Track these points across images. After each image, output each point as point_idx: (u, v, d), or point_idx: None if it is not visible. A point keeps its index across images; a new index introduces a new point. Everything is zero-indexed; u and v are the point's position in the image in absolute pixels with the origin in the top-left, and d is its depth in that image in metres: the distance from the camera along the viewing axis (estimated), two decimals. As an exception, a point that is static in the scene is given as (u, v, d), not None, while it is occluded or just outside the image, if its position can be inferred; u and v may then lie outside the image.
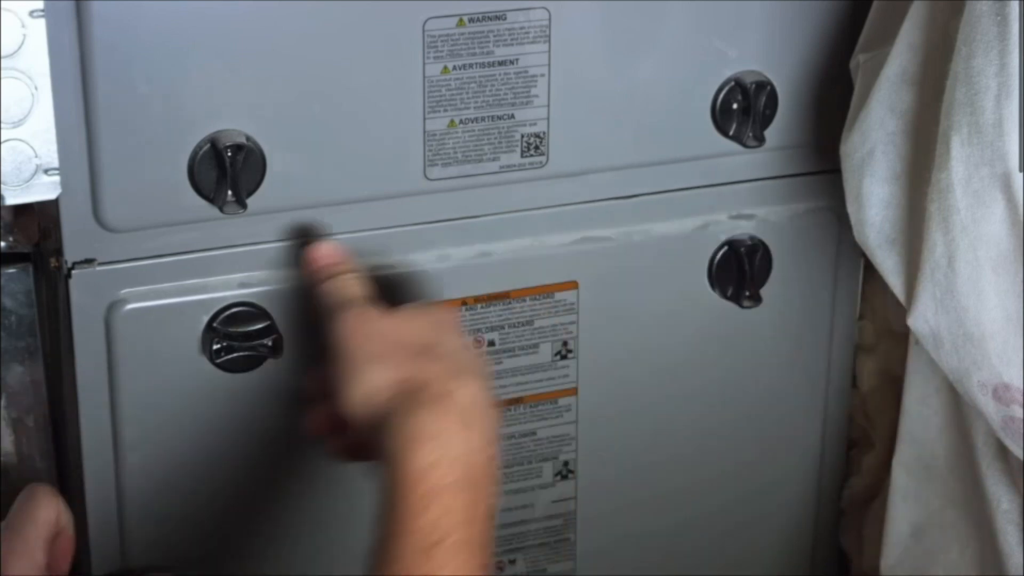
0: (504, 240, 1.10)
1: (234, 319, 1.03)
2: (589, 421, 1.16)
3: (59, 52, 0.92)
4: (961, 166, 0.95)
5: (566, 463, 1.16)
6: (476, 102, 1.04)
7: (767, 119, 1.10)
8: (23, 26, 0.90)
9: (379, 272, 1.03)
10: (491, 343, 1.11)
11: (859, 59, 1.07)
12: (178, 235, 1.01)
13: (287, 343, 1.03)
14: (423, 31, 1.01)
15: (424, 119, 1.03)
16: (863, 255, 1.12)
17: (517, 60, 1.04)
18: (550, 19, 1.03)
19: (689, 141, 1.11)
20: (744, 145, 1.10)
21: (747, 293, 1.14)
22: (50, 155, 0.93)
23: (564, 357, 1.13)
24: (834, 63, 1.11)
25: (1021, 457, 1.00)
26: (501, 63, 1.03)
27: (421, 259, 1.08)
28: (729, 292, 1.15)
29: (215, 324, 1.02)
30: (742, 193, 1.15)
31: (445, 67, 1.02)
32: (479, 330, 1.10)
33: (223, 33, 0.96)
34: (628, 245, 1.12)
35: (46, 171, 0.93)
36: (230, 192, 0.98)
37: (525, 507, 1.16)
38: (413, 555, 0.82)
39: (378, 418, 0.87)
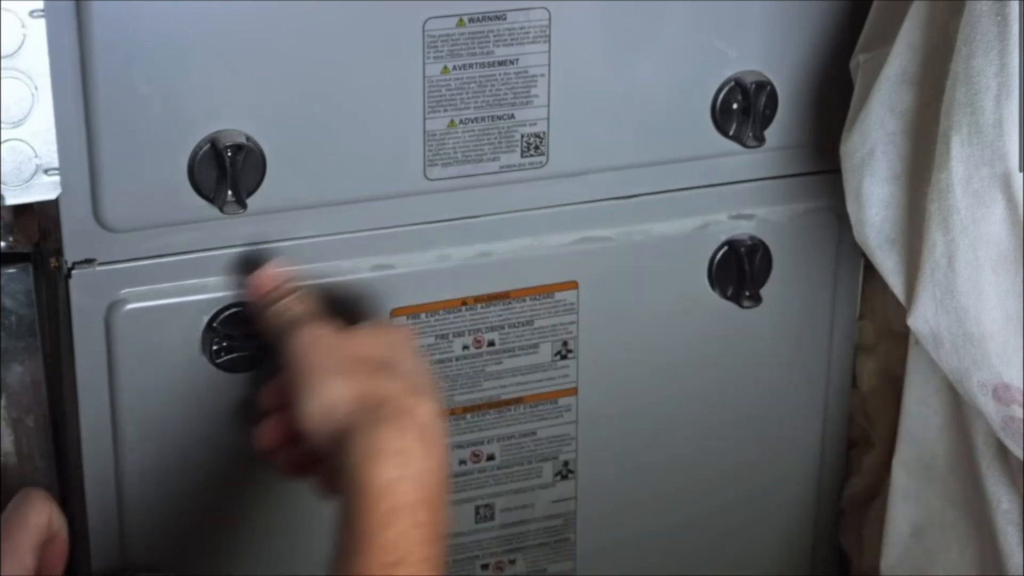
0: (504, 240, 1.10)
1: (234, 319, 1.03)
2: (589, 421, 1.16)
3: (59, 52, 0.92)
4: (961, 166, 0.95)
5: (566, 463, 1.16)
6: (476, 102, 1.04)
7: (767, 119, 1.10)
8: (23, 26, 0.90)
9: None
10: (491, 343, 1.11)
11: (859, 59, 1.07)
12: (178, 235, 1.01)
13: (287, 343, 1.03)
14: (423, 31, 1.01)
15: (424, 119, 1.03)
16: (863, 255, 1.12)
17: (517, 60, 1.04)
18: (550, 19, 1.03)
19: (689, 141, 1.11)
20: (744, 145, 1.10)
21: (747, 293, 1.14)
22: (50, 155, 0.93)
23: (564, 357, 1.13)
24: (834, 63, 1.11)
25: (1021, 457, 1.00)
26: (501, 63, 1.03)
27: (421, 259, 1.08)
28: (729, 292, 1.15)
29: (215, 324, 1.02)
30: (742, 193, 1.15)
31: (445, 67, 1.02)
32: (479, 330, 1.10)
33: (223, 33, 0.96)
34: (628, 245, 1.12)
35: (46, 171, 0.93)
36: (230, 192, 0.98)
37: (525, 507, 1.16)
38: (377, 572, 0.82)
39: (337, 432, 0.87)
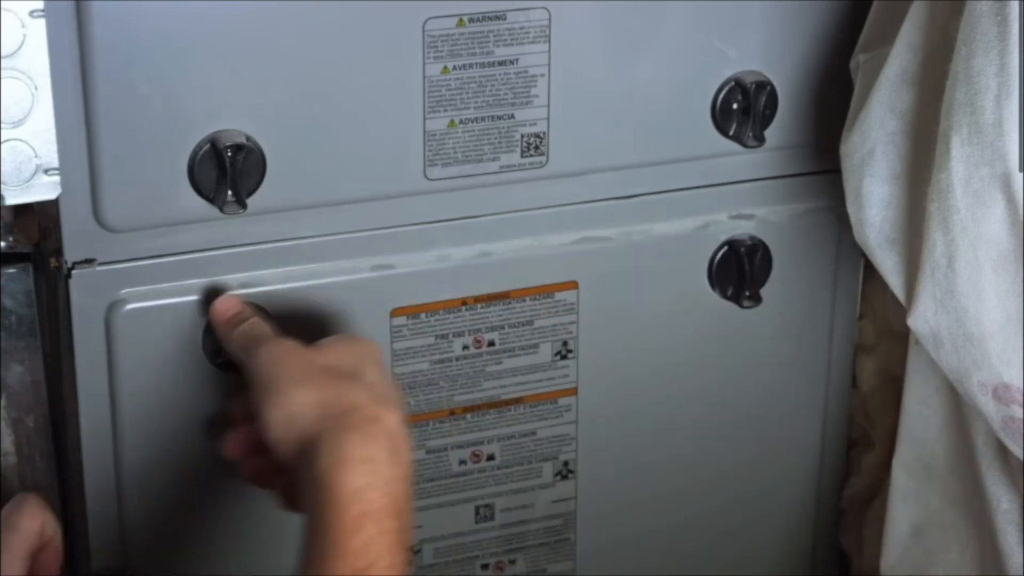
0: (504, 240, 1.10)
1: (234, 319, 1.03)
2: (589, 421, 1.16)
3: (59, 52, 0.92)
4: (961, 166, 0.95)
5: (566, 463, 1.16)
6: (476, 102, 1.04)
7: (767, 119, 1.10)
8: (23, 26, 0.90)
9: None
10: (491, 343, 1.11)
11: (859, 59, 1.07)
12: (178, 235, 1.01)
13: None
14: (423, 31, 1.01)
15: (424, 119, 1.03)
16: (863, 255, 1.12)
17: (517, 60, 1.04)
18: (550, 19, 1.03)
19: (689, 141, 1.11)
20: (744, 145, 1.10)
21: (747, 293, 1.14)
22: (50, 155, 0.93)
23: (564, 357, 1.13)
24: (834, 63, 1.11)
25: (1021, 457, 1.00)
26: (501, 63, 1.03)
27: (421, 259, 1.08)
28: (729, 292, 1.15)
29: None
30: (742, 193, 1.15)
31: (445, 67, 1.02)
32: (479, 330, 1.10)
33: (223, 33, 0.96)
34: (628, 245, 1.12)
35: (46, 171, 0.93)
36: (230, 192, 0.98)
37: (525, 507, 1.16)
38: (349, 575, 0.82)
39: (301, 441, 0.87)
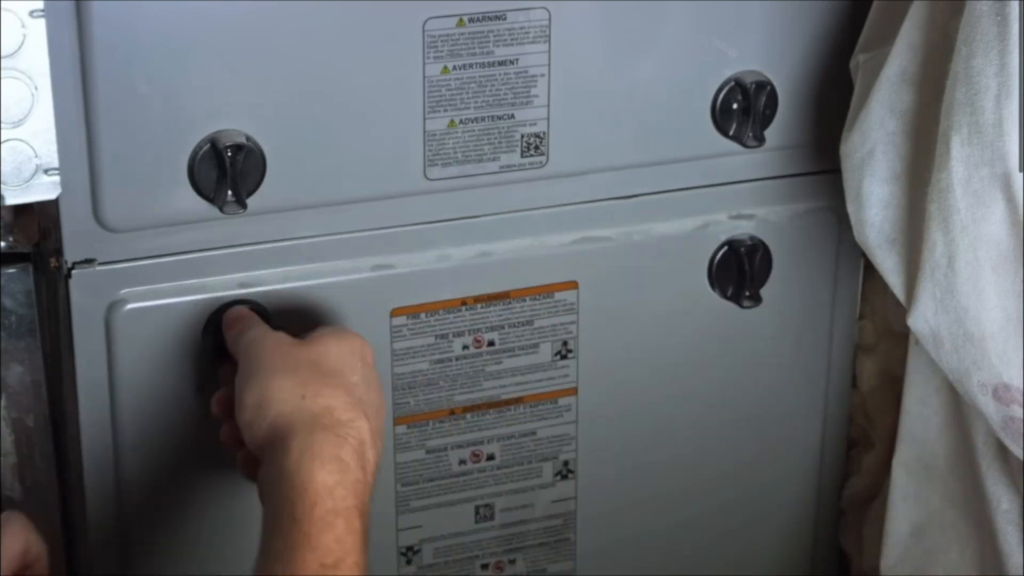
0: (504, 240, 1.10)
1: (234, 319, 1.03)
2: (589, 421, 1.16)
3: (59, 52, 0.92)
4: (961, 166, 0.95)
5: (566, 463, 1.16)
6: (476, 102, 1.04)
7: (767, 119, 1.10)
8: (23, 26, 0.90)
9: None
10: (491, 343, 1.11)
11: (859, 59, 1.07)
12: (178, 235, 1.01)
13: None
14: (423, 31, 1.01)
15: (424, 119, 1.03)
16: (863, 255, 1.12)
17: (517, 60, 1.04)
18: (550, 19, 1.03)
19: (689, 141, 1.11)
20: (744, 145, 1.10)
21: (747, 293, 1.14)
22: (50, 155, 0.93)
23: (564, 357, 1.13)
24: (834, 63, 1.11)
25: (1021, 457, 1.00)
26: (501, 63, 1.03)
27: (421, 259, 1.08)
28: (729, 292, 1.15)
29: (215, 324, 1.02)
30: (742, 193, 1.15)
31: (445, 67, 1.02)
32: (479, 330, 1.10)
33: (223, 33, 0.96)
34: (628, 245, 1.12)
35: (46, 171, 0.93)
36: (230, 192, 0.98)
37: (525, 507, 1.16)
38: (316, 569, 0.81)
39: (273, 429, 0.88)
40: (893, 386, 1.20)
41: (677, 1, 1.06)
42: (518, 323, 1.11)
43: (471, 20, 1.02)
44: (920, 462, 1.15)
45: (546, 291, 1.11)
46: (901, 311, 1.03)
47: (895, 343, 1.20)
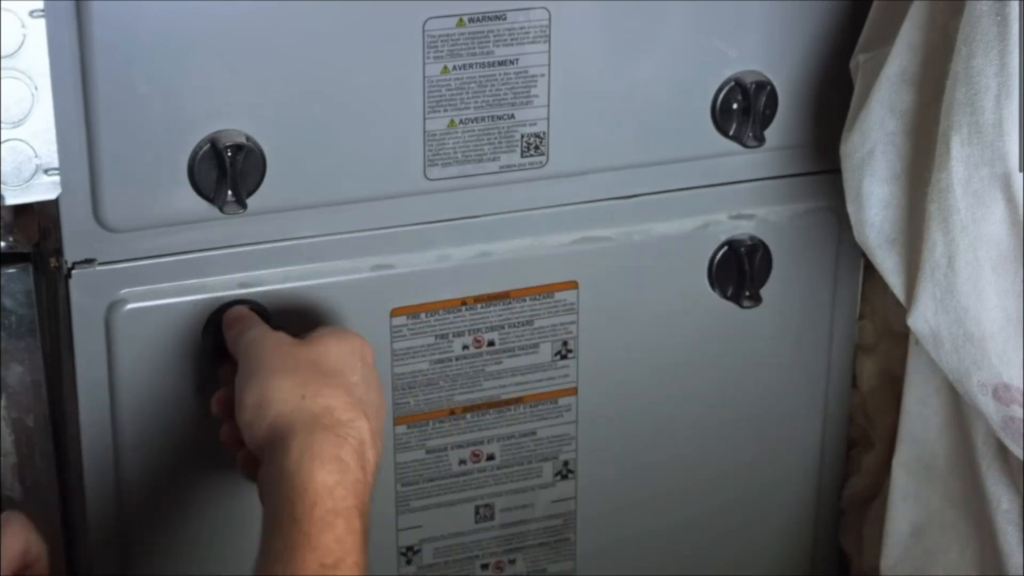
0: (504, 240, 1.10)
1: (234, 319, 1.03)
2: (589, 421, 1.16)
3: (59, 52, 0.92)
4: (961, 166, 0.95)
5: (566, 463, 1.16)
6: (476, 102, 1.04)
7: (767, 119, 1.10)
8: (23, 26, 0.90)
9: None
10: (491, 343, 1.11)
11: (859, 59, 1.07)
12: (178, 235, 1.01)
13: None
14: (423, 31, 1.01)
15: (424, 119, 1.03)
16: (863, 255, 1.12)
17: (517, 60, 1.04)
18: (550, 19, 1.03)
19: (689, 141, 1.11)
20: (744, 145, 1.10)
21: (747, 293, 1.14)
22: (50, 155, 0.93)
23: (564, 357, 1.13)
24: (834, 63, 1.11)
25: (1021, 457, 1.00)
26: (501, 63, 1.03)
27: (421, 259, 1.08)
28: (729, 292, 1.15)
29: (215, 324, 1.02)
30: (742, 193, 1.15)
31: (445, 67, 1.02)
32: (479, 330, 1.10)
33: (223, 33, 0.96)
34: (628, 245, 1.12)
35: (46, 171, 0.93)
36: (230, 192, 0.98)
37: (525, 507, 1.16)
38: (316, 569, 0.81)
39: (273, 429, 0.88)
40: (893, 386, 1.20)
41: (677, 1, 1.06)
42: (518, 323, 1.11)
43: (471, 20, 1.02)
44: (920, 462, 1.15)
45: (546, 291, 1.11)
46: (901, 311, 1.03)
47: (895, 343, 1.20)
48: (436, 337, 1.09)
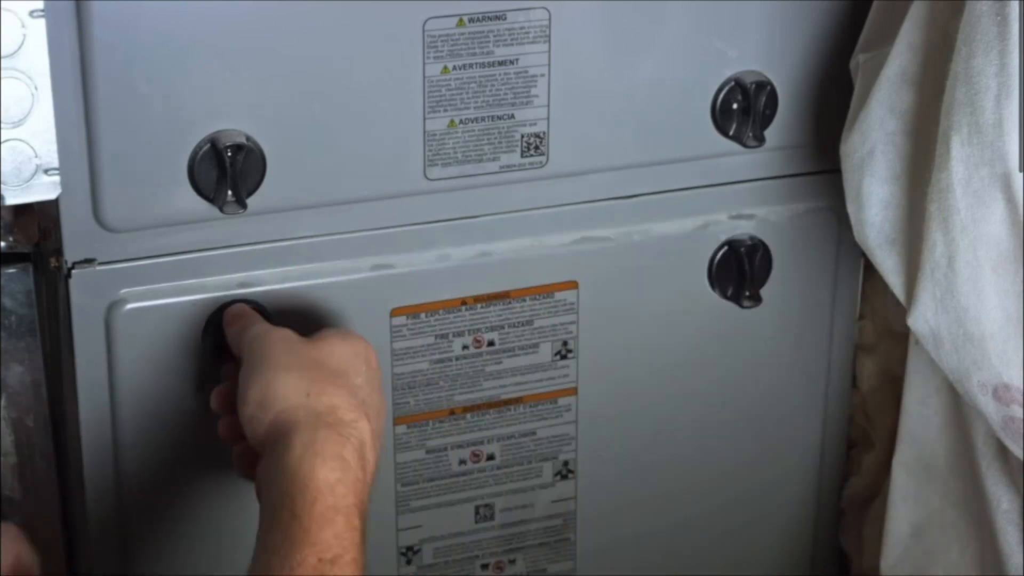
0: (504, 240, 1.10)
1: (234, 319, 1.03)
2: (589, 421, 1.16)
3: (59, 52, 0.92)
4: (961, 166, 0.95)
5: (566, 463, 1.16)
6: (476, 102, 1.04)
7: (767, 119, 1.10)
8: (23, 26, 0.90)
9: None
10: (491, 343, 1.11)
11: (859, 59, 1.07)
12: (178, 235, 1.01)
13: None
14: (423, 31, 1.01)
15: (424, 119, 1.03)
16: (863, 255, 1.12)
17: (517, 60, 1.04)
18: (550, 19, 1.03)
19: (689, 141, 1.11)
20: (744, 145, 1.10)
21: (747, 293, 1.14)
22: (50, 155, 0.93)
23: (564, 357, 1.13)
24: (834, 63, 1.11)
25: (1021, 457, 1.00)
26: (501, 63, 1.03)
27: (421, 259, 1.08)
28: (729, 292, 1.15)
29: (215, 324, 1.02)
30: (742, 193, 1.15)
31: (445, 67, 1.02)
32: (479, 330, 1.10)
33: (223, 33, 0.96)
34: (628, 245, 1.12)
35: (46, 171, 0.93)
36: (230, 192, 0.98)
37: (525, 507, 1.16)
38: (316, 566, 0.81)
39: (276, 425, 0.88)
40: (893, 386, 1.20)
41: (677, 1, 1.06)
42: (518, 323, 1.11)
43: (471, 20, 1.02)
44: (920, 462, 1.15)
45: (546, 291, 1.11)
46: (901, 311, 1.03)
47: (895, 343, 1.20)
48: (436, 337, 1.09)
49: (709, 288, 1.15)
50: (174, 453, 1.05)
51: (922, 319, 1.00)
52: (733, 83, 1.09)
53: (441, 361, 1.10)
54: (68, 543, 1.11)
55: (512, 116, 1.05)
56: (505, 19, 1.02)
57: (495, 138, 1.05)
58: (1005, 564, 1.07)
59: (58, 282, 1.00)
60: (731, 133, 1.10)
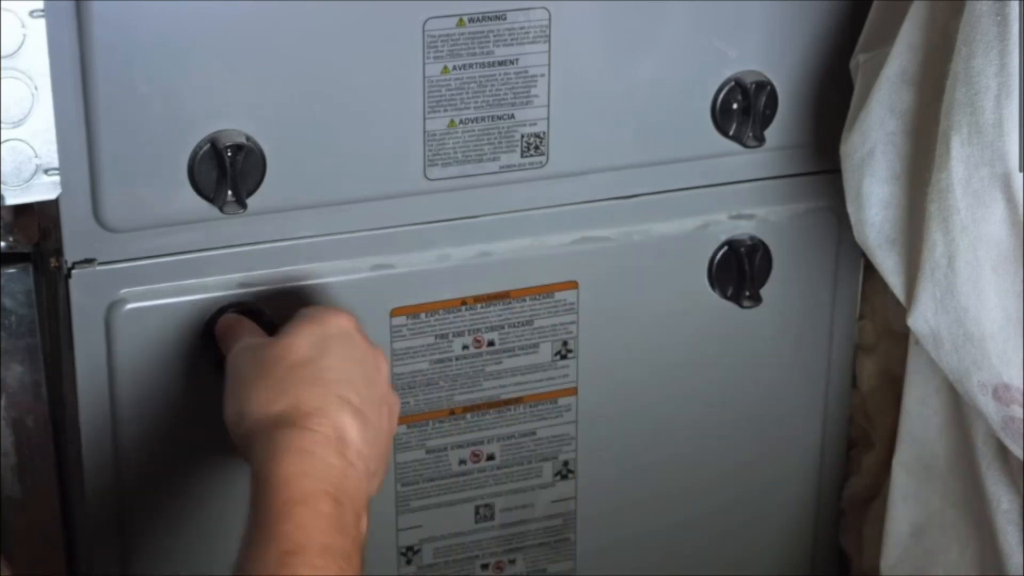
0: (504, 240, 1.10)
1: (234, 319, 1.03)
2: (589, 421, 1.16)
3: (59, 52, 0.92)
4: (961, 166, 0.95)
5: (566, 463, 1.16)
6: (476, 102, 1.04)
7: (767, 119, 1.10)
8: (23, 26, 0.90)
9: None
10: (491, 343, 1.11)
11: (859, 59, 1.07)
12: (178, 235, 1.01)
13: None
14: (423, 31, 1.01)
15: (424, 119, 1.03)
16: (863, 255, 1.12)
17: (517, 60, 1.04)
18: (550, 19, 1.03)
19: (689, 141, 1.11)
20: (744, 145, 1.10)
21: (747, 293, 1.14)
22: (50, 155, 0.93)
23: (564, 357, 1.13)
24: (834, 63, 1.11)
25: (1021, 457, 1.00)
26: (501, 63, 1.03)
27: (421, 259, 1.08)
28: (729, 292, 1.15)
29: (209, 334, 1.02)
30: (742, 193, 1.15)
31: (445, 67, 1.02)
32: (479, 330, 1.10)
33: (223, 33, 0.96)
34: (628, 245, 1.12)
35: (46, 171, 0.93)
36: (230, 192, 0.98)
37: (525, 507, 1.16)
38: (276, 558, 0.81)
39: (249, 435, 0.88)
40: (893, 386, 1.20)
41: (677, 1, 1.06)
42: (518, 323, 1.11)
43: (471, 20, 1.02)
44: (920, 462, 1.15)
45: (546, 291, 1.11)
46: (901, 311, 1.03)
47: (895, 343, 1.20)
48: (436, 337, 1.09)
49: (709, 288, 1.15)
50: (174, 453, 1.05)
51: (922, 319, 1.00)
52: (733, 83, 1.09)
53: (441, 361, 1.10)
54: (68, 543, 1.11)
55: (512, 116, 1.05)
56: (505, 19, 1.02)
57: (495, 138, 1.05)
58: (1005, 564, 1.07)
59: (58, 282, 1.00)
60: (731, 133, 1.10)
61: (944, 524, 1.14)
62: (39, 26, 0.90)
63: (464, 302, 1.10)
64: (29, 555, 1.10)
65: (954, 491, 1.13)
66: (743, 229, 1.15)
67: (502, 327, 1.11)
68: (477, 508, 1.15)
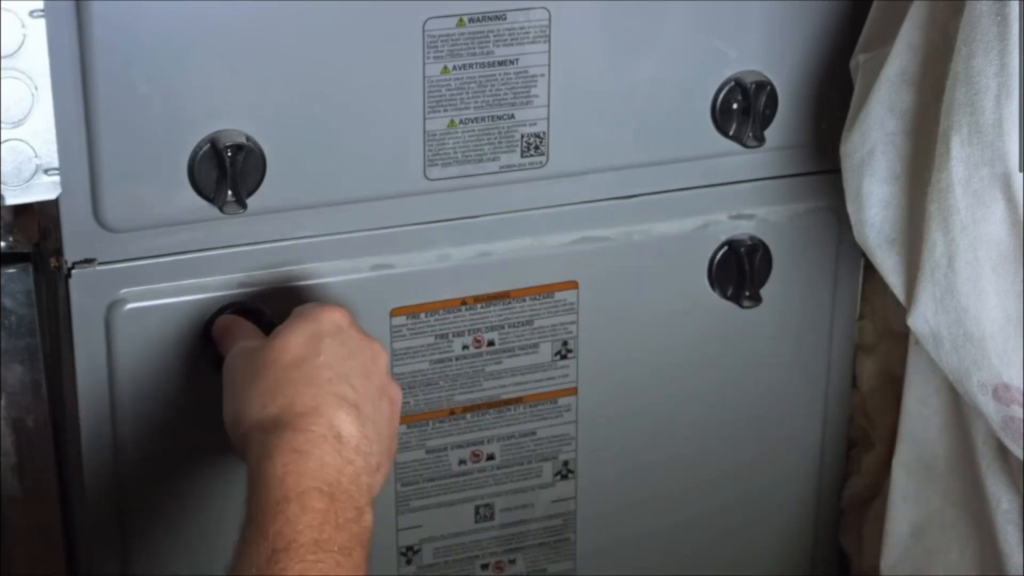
0: (504, 240, 1.10)
1: (234, 319, 1.03)
2: (589, 421, 1.16)
3: (59, 52, 0.92)
4: (961, 166, 0.95)
5: (566, 463, 1.16)
6: (476, 102, 1.04)
7: (767, 119, 1.10)
8: (23, 26, 0.90)
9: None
10: (491, 343, 1.11)
11: (859, 59, 1.07)
12: (178, 235, 1.01)
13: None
14: (423, 31, 1.01)
15: (424, 119, 1.03)
16: (863, 255, 1.12)
17: (517, 60, 1.04)
18: (550, 19, 1.03)
19: (689, 141, 1.11)
20: (744, 145, 1.10)
21: (747, 293, 1.14)
22: (50, 155, 0.93)
23: (564, 357, 1.13)
24: (834, 63, 1.11)
25: (1021, 457, 1.00)
26: (501, 63, 1.03)
27: (421, 259, 1.08)
28: (729, 292, 1.15)
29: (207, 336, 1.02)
30: (742, 193, 1.15)
31: (445, 67, 1.02)
32: (479, 330, 1.10)
33: (223, 33, 0.96)
34: (628, 245, 1.12)
35: (46, 171, 0.93)
36: (230, 192, 0.98)
37: (525, 507, 1.16)
38: (267, 555, 0.81)
39: (245, 440, 0.89)
40: (893, 386, 1.20)
41: (677, 1, 1.06)
42: (518, 323, 1.11)
43: (471, 20, 1.02)
44: (920, 462, 1.15)
45: (546, 291, 1.11)
46: (901, 311, 1.03)
47: (895, 343, 1.20)
48: (436, 337, 1.09)
49: (709, 288, 1.15)
50: (174, 453, 1.05)
51: (922, 319, 1.00)
52: (733, 83, 1.09)
53: (441, 361, 1.10)
54: (68, 543, 1.11)
55: (512, 116, 1.05)
56: (505, 19, 1.02)
57: (495, 138, 1.05)
58: (1005, 564, 1.07)
59: (58, 282, 1.00)
60: (731, 133, 1.10)
61: (944, 524, 1.14)
62: (39, 26, 0.90)
63: (464, 302, 1.10)
64: (29, 555, 1.10)
65: (954, 491, 1.13)
66: (743, 229, 1.15)
67: (502, 327, 1.11)
68: (477, 508, 1.15)
